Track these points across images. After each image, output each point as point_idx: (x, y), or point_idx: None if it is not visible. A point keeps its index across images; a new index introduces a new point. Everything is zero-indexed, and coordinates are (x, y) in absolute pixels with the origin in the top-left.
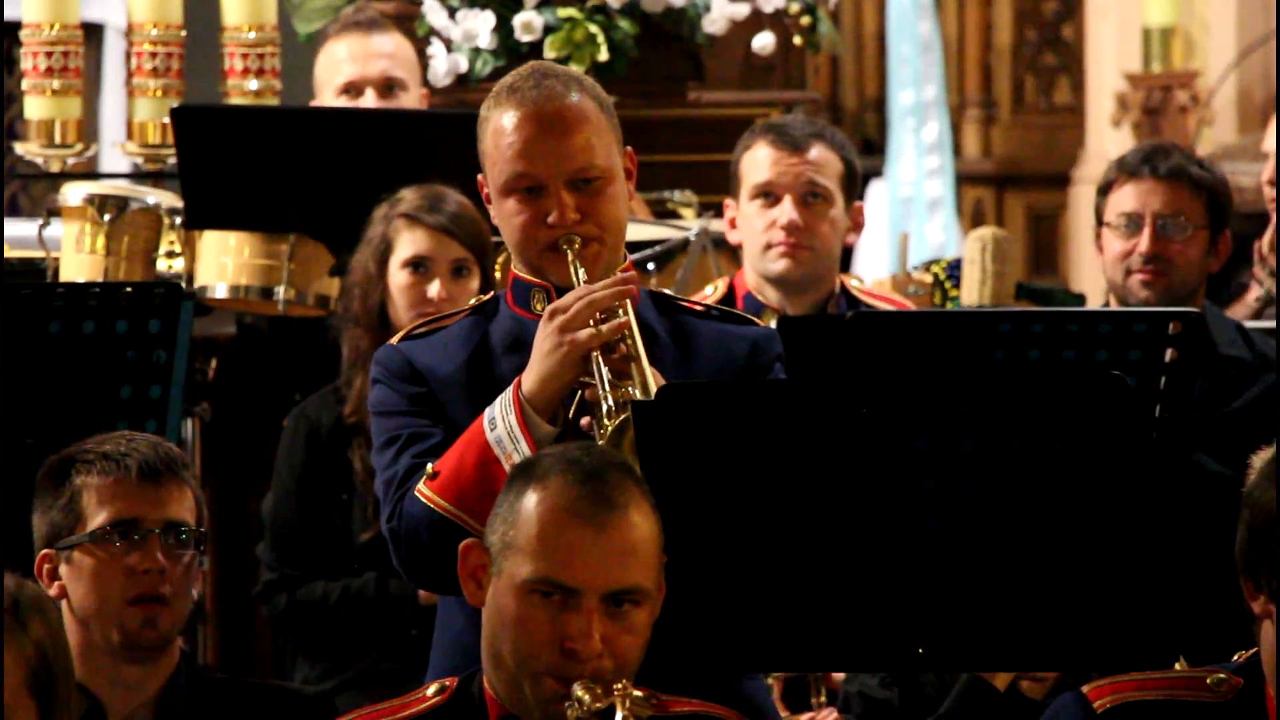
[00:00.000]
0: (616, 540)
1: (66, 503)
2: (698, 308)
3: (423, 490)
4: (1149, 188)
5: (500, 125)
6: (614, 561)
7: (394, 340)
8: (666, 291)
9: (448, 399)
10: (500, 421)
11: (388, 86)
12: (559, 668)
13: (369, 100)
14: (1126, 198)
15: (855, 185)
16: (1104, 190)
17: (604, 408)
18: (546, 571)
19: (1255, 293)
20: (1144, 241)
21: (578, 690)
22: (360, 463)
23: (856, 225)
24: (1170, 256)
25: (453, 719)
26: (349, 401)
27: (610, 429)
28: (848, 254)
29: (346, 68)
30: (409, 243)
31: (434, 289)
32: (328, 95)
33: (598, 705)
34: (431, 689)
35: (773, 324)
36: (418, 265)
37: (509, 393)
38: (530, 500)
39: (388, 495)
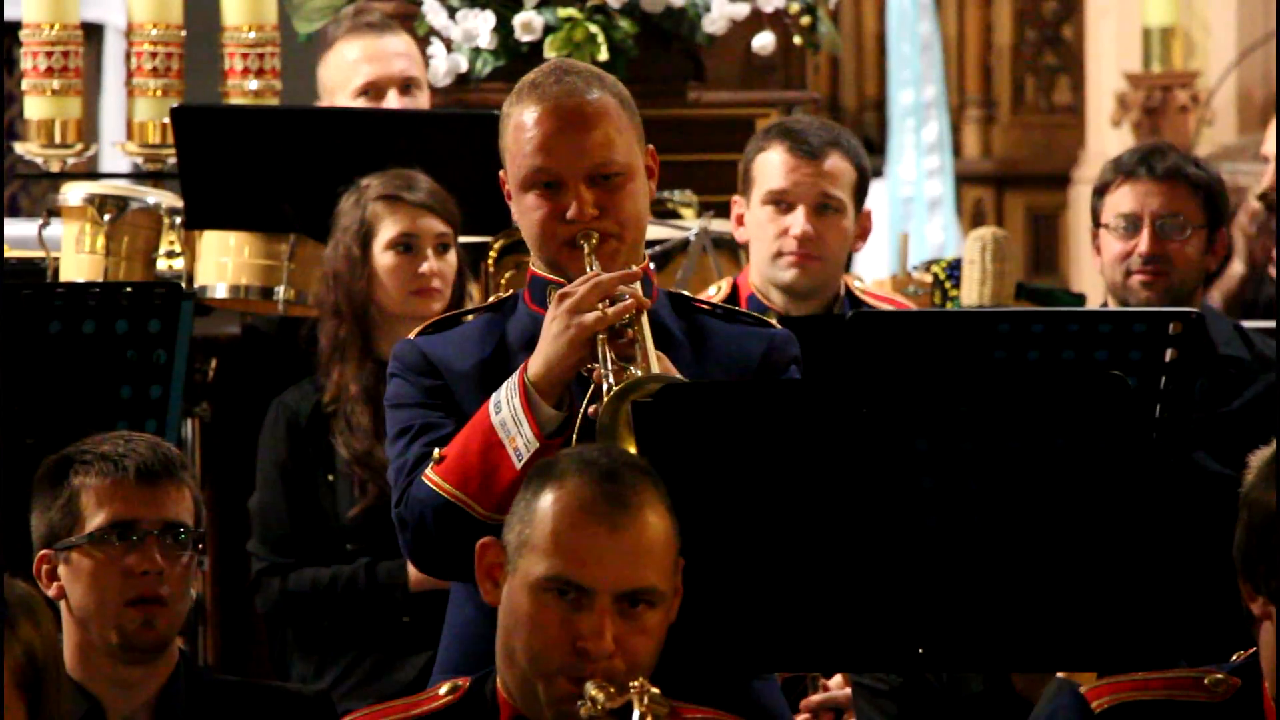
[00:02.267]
0: (630, 541)
1: (65, 503)
2: (716, 309)
3: (429, 475)
4: (1147, 188)
5: (521, 121)
6: (628, 562)
7: (411, 335)
8: (684, 293)
9: (463, 395)
10: (505, 405)
11: (406, 86)
12: (571, 667)
13: (390, 100)
14: (1124, 199)
15: (866, 192)
16: (1100, 192)
17: (604, 386)
18: (561, 570)
19: None
20: (1143, 242)
21: (591, 689)
22: (344, 447)
23: (864, 231)
24: (1169, 256)
25: (464, 719)
26: (328, 390)
27: (605, 402)
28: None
29: (365, 68)
30: (393, 223)
31: (426, 265)
32: (342, 98)
33: (612, 704)
34: (444, 688)
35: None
36: (404, 245)
37: (514, 376)
38: (546, 499)
39: (397, 482)
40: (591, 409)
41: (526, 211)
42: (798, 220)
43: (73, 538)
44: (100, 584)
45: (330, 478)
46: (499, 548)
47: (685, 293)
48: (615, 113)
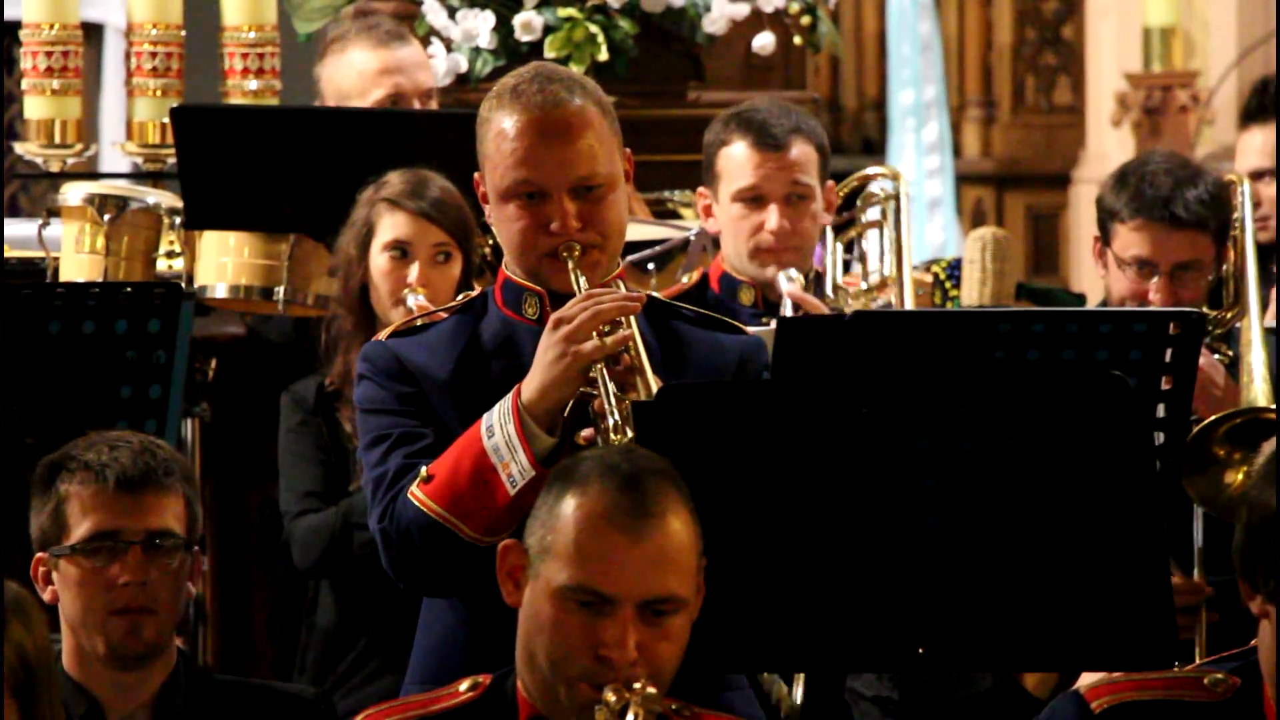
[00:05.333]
0: (653, 549)
1: (53, 509)
2: (689, 313)
3: (416, 493)
4: (1167, 238)
5: (502, 129)
6: (650, 570)
7: (381, 337)
8: (654, 294)
9: (438, 401)
10: (499, 430)
11: (427, 95)
12: (594, 674)
13: None
14: (1140, 243)
15: (828, 169)
16: (1113, 214)
17: (610, 421)
18: (583, 579)
19: None
20: (1157, 291)
21: (607, 694)
22: (349, 423)
23: (829, 205)
24: (1181, 298)
25: (482, 716)
26: (329, 375)
27: (610, 439)
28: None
29: (388, 80)
30: (390, 226)
31: (413, 273)
32: (356, 104)
33: (620, 705)
34: (464, 684)
35: (747, 299)
36: (398, 249)
37: (508, 401)
38: (569, 505)
39: (377, 494)
40: (585, 433)
41: (507, 221)
42: (772, 217)
43: (61, 546)
44: (86, 594)
45: (334, 458)
46: (521, 550)
47: (655, 294)
48: (598, 122)
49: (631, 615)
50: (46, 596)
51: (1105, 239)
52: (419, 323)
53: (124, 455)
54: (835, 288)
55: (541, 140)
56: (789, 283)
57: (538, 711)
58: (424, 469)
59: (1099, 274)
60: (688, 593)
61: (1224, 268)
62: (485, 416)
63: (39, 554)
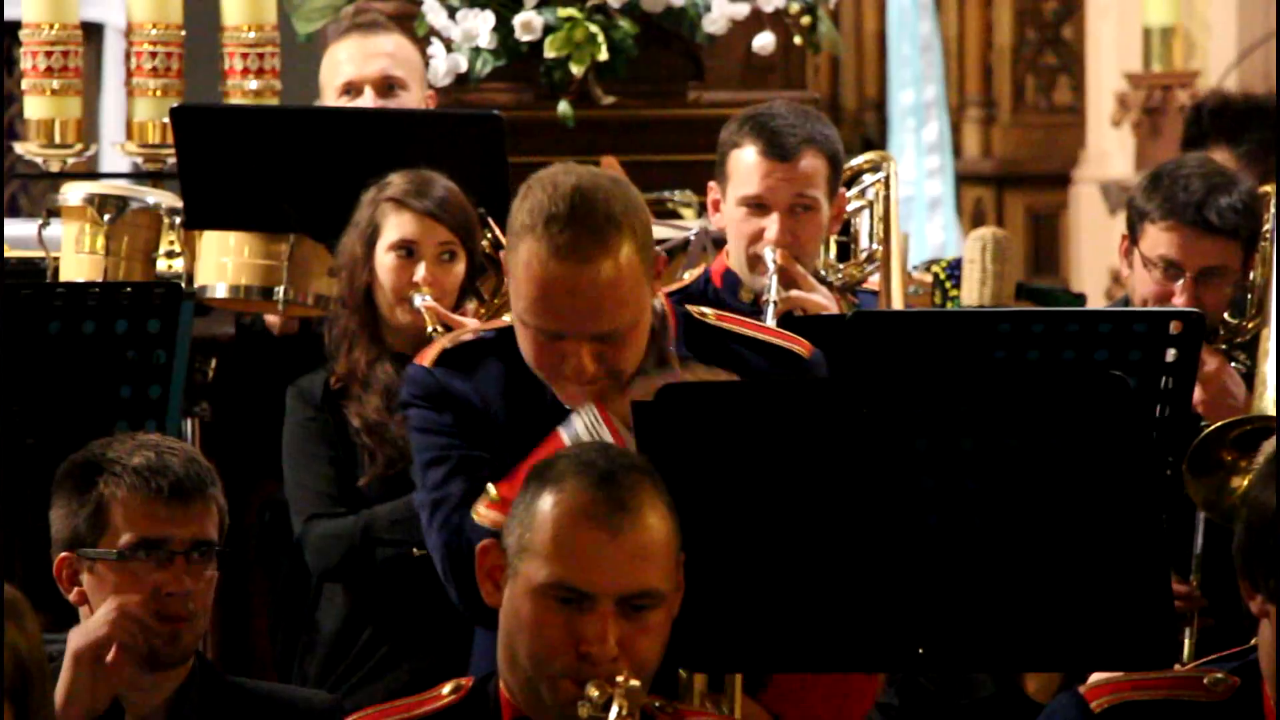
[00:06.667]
0: (630, 544)
1: (92, 512)
2: (743, 336)
3: (486, 514)
4: (1196, 241)
5: (530, 263)
6: (628, 565)
7: (426, 362)
8: (706, 314)
9: (495, 437)
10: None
11: (387, 86)
12: (575, 671)
13: (368, 100)
14: (1170, 243)
15: (840, 178)
16: (1143, 214)
17: None
18: (561, 576)
19: None
20: (1181, 294)
21: (590, 689)
22: (357, 418)
23: (838, 214)
24: (1205, 303)
25: (465, 719)
26: (335, 374)
27: None
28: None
29: (345, 68)
30: (396, 226)
31: (420, 273)
32: (329, 97)
33: (603, 699)
34: (447, 688)
35: (747, 296)
36: (404, 249)
37: (592, 410)
38: (545, 503)
39: (438, 517)
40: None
41: (522, 340)
42: (772, 226)
43: (100, 549)
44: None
45: (343, 454)
46: (499, 550)
47: (707, 310)
48: (630, 267)
49: (611, 610)
50: (72, 597)
51: (1133, 238)
52: (464, 348)
53: (174, 463)
54: (826, 265)
55: (567, 296)
56: (774, 262)
57: (521, 712)
58: (492, 489)
59: (1123, 274)
60: (667, 587)
61: (1250, 277)
62: (563, 431)
63: (66, 554)
